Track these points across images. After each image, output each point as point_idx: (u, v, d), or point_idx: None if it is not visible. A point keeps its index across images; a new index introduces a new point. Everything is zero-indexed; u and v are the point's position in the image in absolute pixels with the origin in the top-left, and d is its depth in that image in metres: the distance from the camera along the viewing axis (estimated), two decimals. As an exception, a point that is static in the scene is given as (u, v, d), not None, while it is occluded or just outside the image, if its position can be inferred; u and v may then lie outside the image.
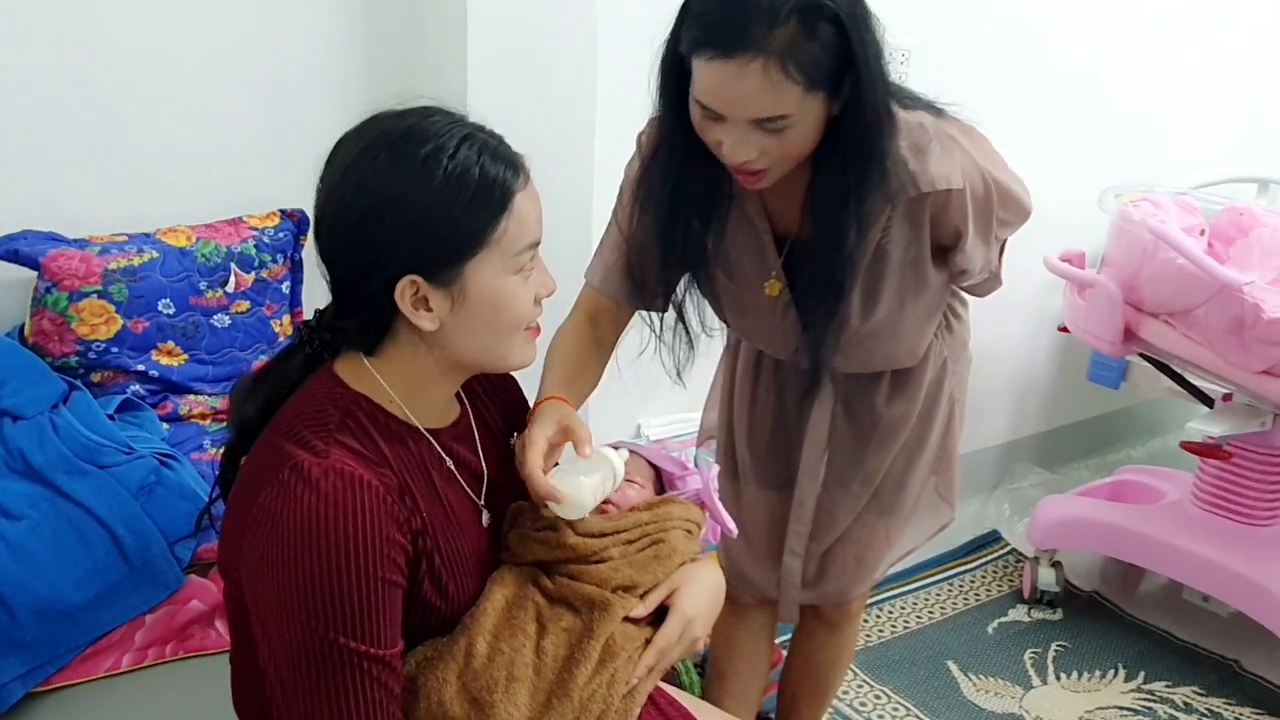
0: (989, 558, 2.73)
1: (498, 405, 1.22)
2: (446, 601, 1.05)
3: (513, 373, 1.21)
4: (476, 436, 1.15)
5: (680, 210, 1.26)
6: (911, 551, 1.66)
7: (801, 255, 1.29)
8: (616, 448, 1.19)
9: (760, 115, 1.09)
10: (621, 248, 1.36)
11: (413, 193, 0.94)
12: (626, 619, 1.12)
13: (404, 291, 0.96)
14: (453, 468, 1.08)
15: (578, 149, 1.87)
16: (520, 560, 1.14)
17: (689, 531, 1.23)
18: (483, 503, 1.13)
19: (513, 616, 1.08)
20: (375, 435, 0.99)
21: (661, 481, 1.33)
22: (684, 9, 1.13)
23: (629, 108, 1.85)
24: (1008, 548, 2.77)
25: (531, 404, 1.25)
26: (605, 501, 1.21)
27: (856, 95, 1.12)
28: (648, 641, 1.13)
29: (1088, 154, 2.78)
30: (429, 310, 0.97)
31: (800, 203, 1.26)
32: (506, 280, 1.00)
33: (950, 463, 1.60)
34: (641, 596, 1.15)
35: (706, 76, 1.09)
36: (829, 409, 1.48)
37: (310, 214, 1.79)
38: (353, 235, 0.96)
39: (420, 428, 1.05)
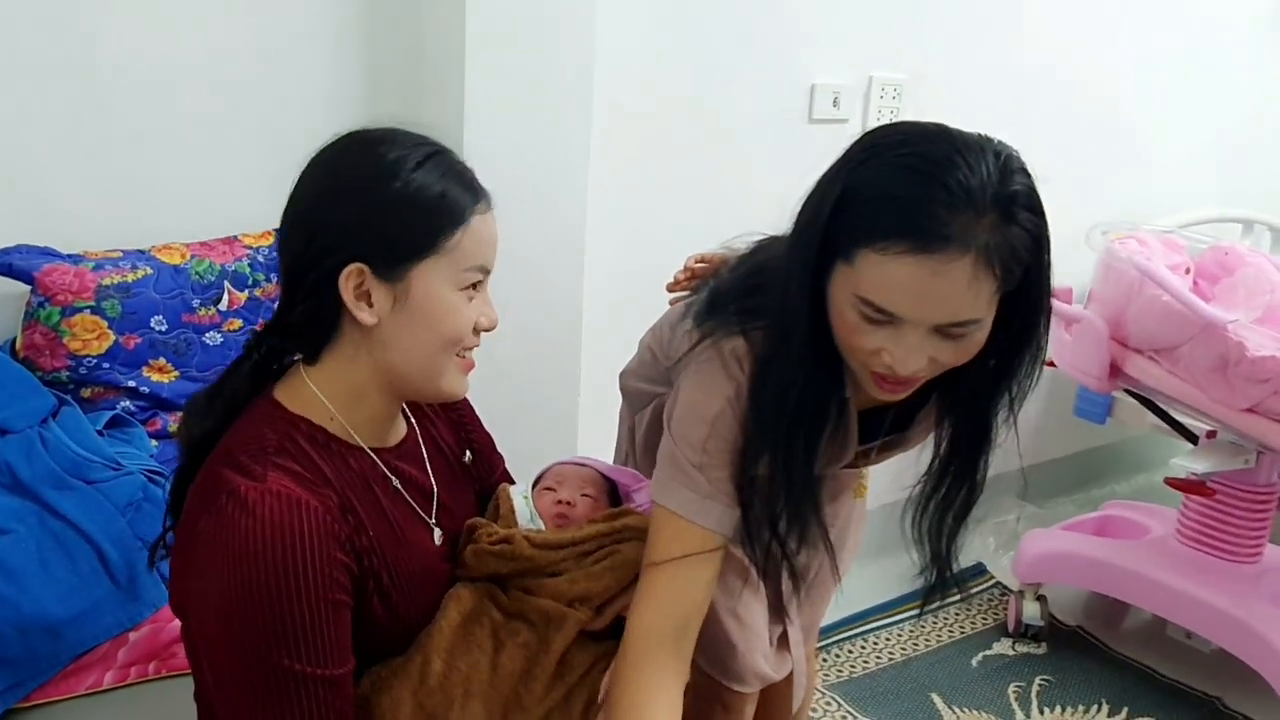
0: (974, 591, 2.73)
1: (447, 423, 1.22)
2: (397, 620, 1.04)
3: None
4: (425, 455, 1.14)
5: (800, 426, 1.08)
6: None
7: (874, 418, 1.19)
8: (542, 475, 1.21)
9: (954, 320, 0.96)
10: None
11: (375, 185, 0.97)
12: (583, 632, 1.12)
13: (349, 277, 0.96)
14: (399, 485, 1.08)
15: (573, 176, 1.89)
16: (476, 575, 1.14)
17: (644, 542, 1.22)
18: (433, 521, 1.13)
19: (468, 633, 1.08)
20: (314, 456, 0.99)
21: (616, 494, 1.34)
22: (846, 194, 0.97)
23: (624, 137, 1.88)
24: (992, 581, 2.78)
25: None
26: (560, 517, 1.22)
27: (1036, 281, 1.00)
28: (605, 654, 1.13)
29: (1075, 190, 2.81)
30: (370, 305, 0.98)
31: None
32: (450, 293, 1.00)
33: None
34: (598, 608, 1.15)
35: (891, 274, 0.93)
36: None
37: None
38: (309, 216, 0.98)
39: (363, 445, 1.04)
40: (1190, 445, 2.35)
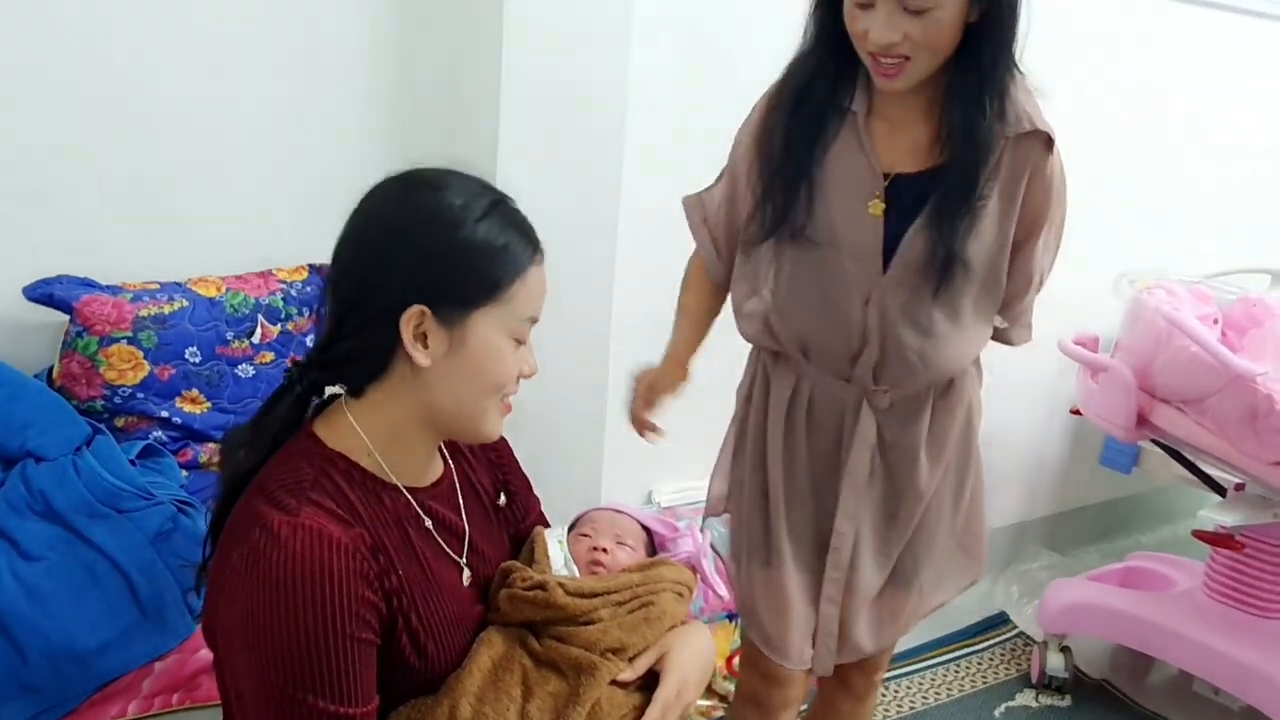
0: (997, 640, 2.70)
1: (484, 464, 1.23)
2: (426, 661, 1.05)
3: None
4: (460, 495, 1.15)
5: (807, 103, 1.38)
6: (942, 605, 1.64)
7: (902, 187, 1.37)
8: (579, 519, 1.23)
9: None
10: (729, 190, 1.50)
11: (441, 231, 0.99)
12: (614, 682, 1.11)
13: (410, 319, 0.98)
14: (431, 527, 1.08)
15: (603, 217, 1.91)
16: (509, 620, 1.14)
17: (680, 594, 1.22)
18: (464, 562, 1.13)
19: (498, 679, 1.08)
20: (349, 493, 1.00)
21: (653, 543, 1.34)
22: None
23: (654, 177, 1.90)
24: (1016, 630, 2.74)
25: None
26: (595, 564, 1.22)
27: (996, 5, 1.24)
28: (636, 707, 1.12)
29: (1103, 239, 2.82)
30: (425, 346, 0.99)
31: (906, 140, 1.37)
32: (502, 341, 1.03)
33: (974, 515, 1.61)
34: (630, 660, 1.14)
35: None
36: (869, 448, 1.48)
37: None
38: (371, 255, 0.99)
39: (398, 485, 1.05)
40: (1218, 497, 2.32)
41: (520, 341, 1.05)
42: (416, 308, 0.98)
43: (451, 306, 0.99)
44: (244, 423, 1.07)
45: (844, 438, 1.50)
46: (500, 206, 1.03)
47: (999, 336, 1.54)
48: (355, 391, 1.04)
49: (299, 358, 1.07)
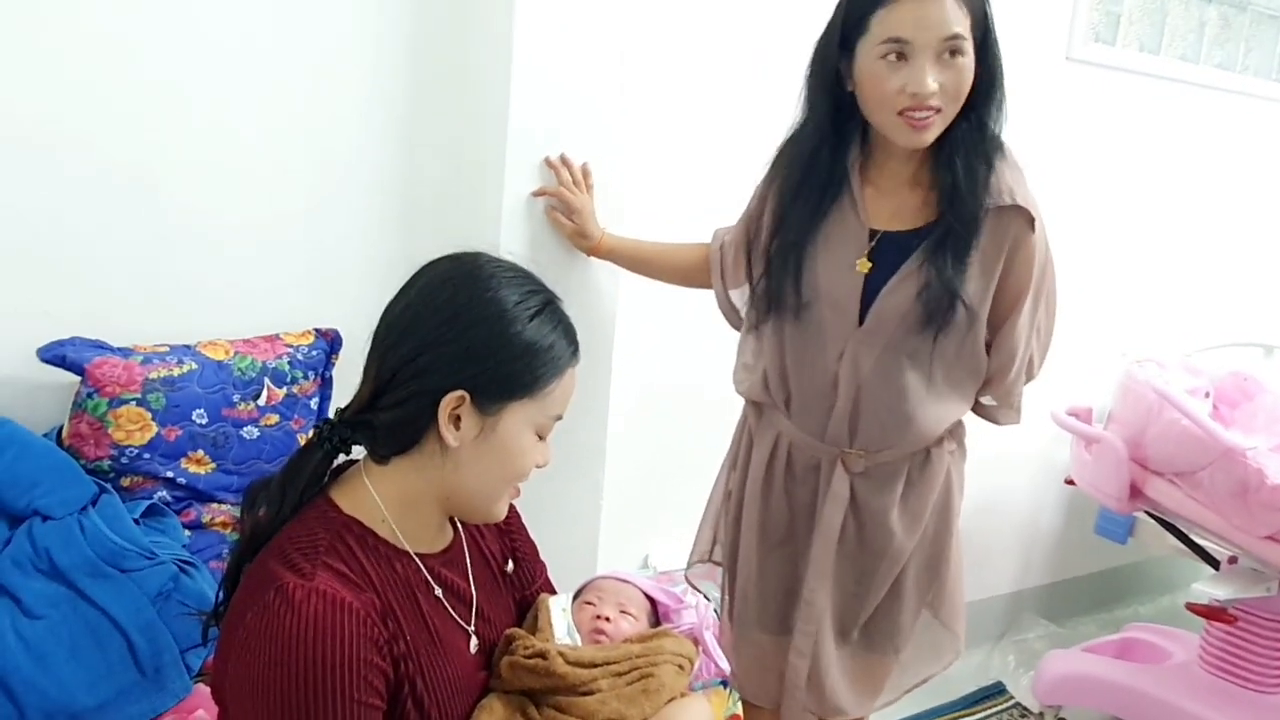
0: (993, 710, 2.69)
1: (494, 532, 1.26)
2: None
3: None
4: (469, 562, 1.18)
5: (811, 178, 1.48)
6: (926, 680, 1.67)
7: (886, 244, 1.46)
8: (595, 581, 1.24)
9: (949, 34, 1.32)
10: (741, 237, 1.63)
11: (495, 326, 1.03)
12: None
13: (449, 402, 1.02)
14: (440, 595, 1.11)
15: (603, 289, 1.95)
16: (510, 688, 1.15)
17: (680, 667, 1.23)
18: (471, 628, 1.15)
19: None
20: (362, 558, 1.03)
21: (657, 613, 1.35)
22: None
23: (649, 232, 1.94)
24: (1012, 701, 2.73)
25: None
26: (598, 632, 1.23)
27: (989, 62, 1.39)
28: None
29: (1095, 311, 2.86)
30: (457, 429, 1.03)
31: (892, 204, 1.47)
32: (528, 434, 1.07)
33: (953, 590, 1.63)
34: None
35: (898, 14, 1.33)
36: (842, 507, 1.53)
37: (343, 334, 1.87)
38: (430, 335, 1.03)
39: (410, 551, 1.08)
40: (1211, 570, 2.33)
41: (542, 436, 1.10)
42: (458, 393, 1.02)
43: (491, 397, 1.03)
44: (270, 475, 1.10)
45: (819, 495, 1.54)
46: (550, 307, 1.09)
47: (987, 415, 1.58)
48: (382, 459, 1.07)
49: (329, 418, 1.10)
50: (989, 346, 1.50)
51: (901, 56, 1.34)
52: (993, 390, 1.54)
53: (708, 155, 2.17)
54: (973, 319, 1.45)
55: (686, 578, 1.82)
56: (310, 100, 1.84)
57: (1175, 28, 2.87)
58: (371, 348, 1.07)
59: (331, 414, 1.11)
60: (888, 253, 1.45)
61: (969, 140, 1.42)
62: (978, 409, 1.58)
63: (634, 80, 1.92)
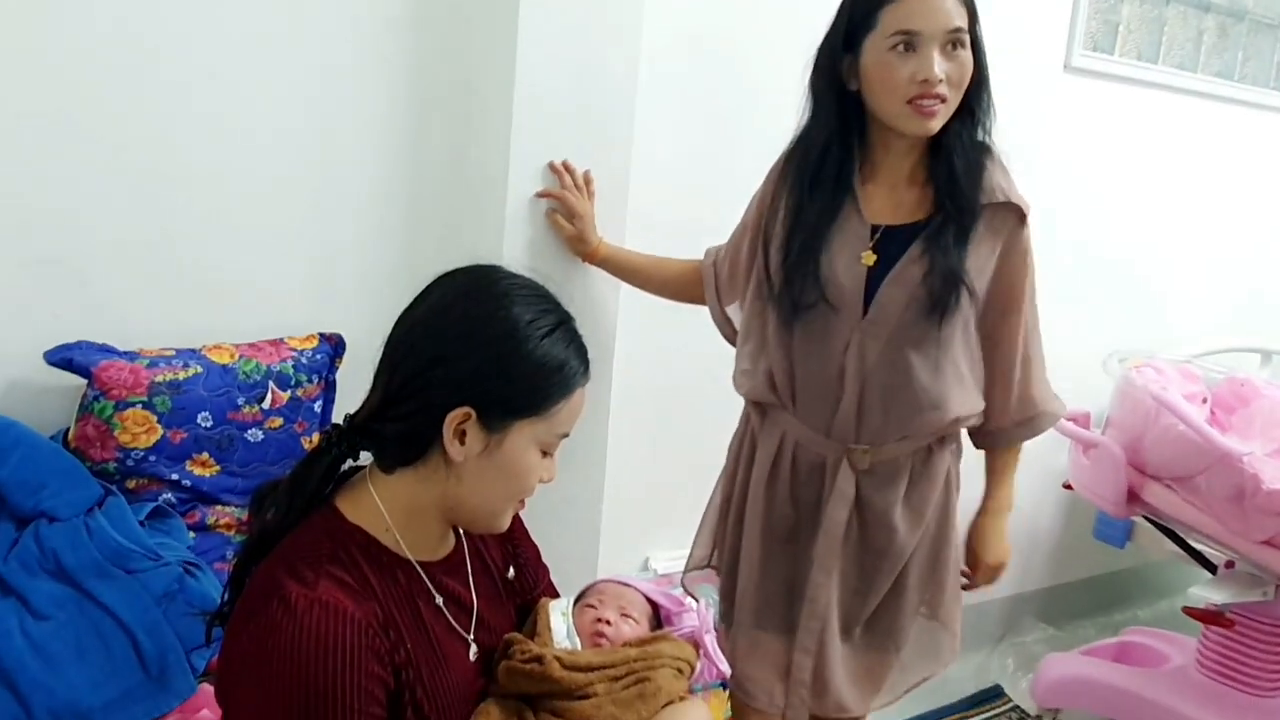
0: (992, 713, 2.70)
1: (496, 539, 1.26)
2: None
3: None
4: (470, 570, 1.18)
5: (820, 179, 1.52)
6: (925, 680, 1.69)
7: (887, 238, 1.50)
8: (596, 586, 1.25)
9: (953, 26, 1.39)
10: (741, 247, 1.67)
11: (508, 344, 1.03)
12: None
13: (455, 418, 1.02)
14: (441, 603, 1.11)
15: (605, 296, 1.97)
16: (507, 692, 1.15)
17: (679, 670, 1.23)
18: (471, 636, 1.16)
19: None
20: (365, 567, 1.03)
21: (658, 617, 1.35)
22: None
23: (655, 249, 1.96)
24: (1010, 704, 2.75)
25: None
26: (598, 635, 1.24)
27: (980, 61, 1.45)
28: None
29: (1092, 318, 2.88)
30: (462, 444, 1.03)
31: (892, 200, 1.52)
32: (534, 452, 1.07)
33: (951, 589, 1.65)
34: None
35: (907, 8, 1.40)
36: (847, 504, 1.55)
37: (347, 338, 1.88)
38: (441, 349, 1.03)
39: (412, 560, 1.08)
40: (1209, 574, 2.34)
41: (547, 453, 1.09)
42: (464, 409, 1.02)
43: (497, 414, 1.03)
44: (277, 479, 1.10)
45: (824, 493, 1.56)
46: (563, 327, 1.08)
47: (1033, 429, 1.62)
48: (387, 468, 1.08)
49: (339, 423, 1.10)
50: (988, 347, 1.53)
51: (910, 47, 1.40)
52: (1020, 395, 1.59)
53: (712, 167, 2.19)
54: (975, 304, 1.50)
55: (683, 583, 1.83)
56: (316, 107, 1.86)
57: (1173, 37, 2.89)
58: (383, 356, 1.07)
59: (339, 419, 1.11)
60: (889, 246, 1.49)
61: (963, 136, 1.48)
62: (1019, 431, 1.63)
63: (637, 89, 1.93)
